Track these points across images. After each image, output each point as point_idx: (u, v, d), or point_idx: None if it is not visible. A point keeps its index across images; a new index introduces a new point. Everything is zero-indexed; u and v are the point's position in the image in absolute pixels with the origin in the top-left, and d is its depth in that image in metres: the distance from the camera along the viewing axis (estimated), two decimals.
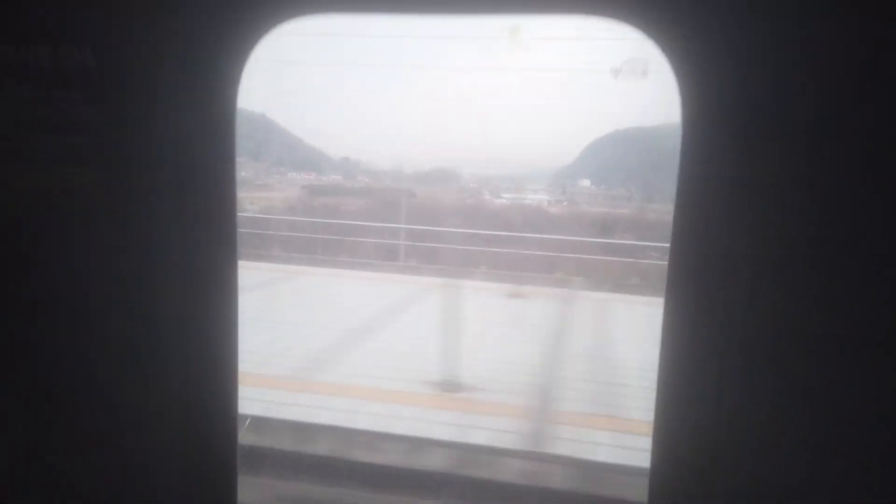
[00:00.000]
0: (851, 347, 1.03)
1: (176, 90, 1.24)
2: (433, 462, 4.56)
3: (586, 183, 26.13)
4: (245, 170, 23.35)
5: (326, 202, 18.24)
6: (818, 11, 1.03)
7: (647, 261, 10.22)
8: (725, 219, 1.10)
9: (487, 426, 5.20)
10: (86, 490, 1.24)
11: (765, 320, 1.05)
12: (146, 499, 1.28)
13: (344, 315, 8.77)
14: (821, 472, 1.05)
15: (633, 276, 10.34)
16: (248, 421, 4.01)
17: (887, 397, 1.03)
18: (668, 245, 1.17)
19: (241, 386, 1.48)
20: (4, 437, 1.27)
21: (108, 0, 1.22)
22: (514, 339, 8.00)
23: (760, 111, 1.10)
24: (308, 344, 7.26)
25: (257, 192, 19.24)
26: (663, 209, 18.81)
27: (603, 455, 4.63)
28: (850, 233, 1.05)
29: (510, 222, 14.33)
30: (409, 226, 12.89)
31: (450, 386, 5.96)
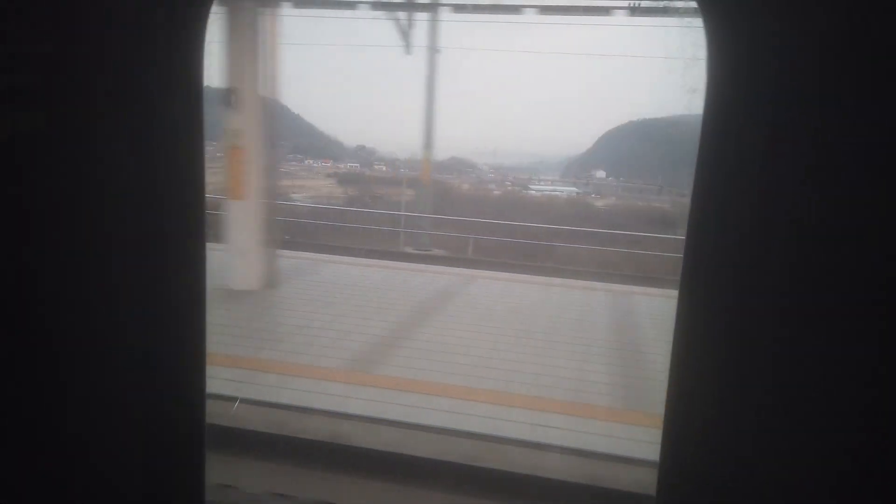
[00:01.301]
0: (876, 345, 0.96)
1: (134, 38, 1.06)
2: None
3: (601, 174, 26.76)
4: (261, 157, 21.95)
5: (383, 192, 17.60)
6: None
7: None
8: (748, 204, 1.00)
9: None
10: (49, 468, 1.19)
11: (783, 315, 1.00)
12: (111, 478, 1.24)
13: None
14: (836, 471, 1.01)
15: None
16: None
17: None
18: None
19: None
20: None
21: None
22: None
23: (799, 80, 0.91)
24: None
25: (288, 181, 18.21)
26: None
27: None
28: (886, 225, 0.94)
29: (590, 219, 14.18)
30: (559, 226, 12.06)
31: None
